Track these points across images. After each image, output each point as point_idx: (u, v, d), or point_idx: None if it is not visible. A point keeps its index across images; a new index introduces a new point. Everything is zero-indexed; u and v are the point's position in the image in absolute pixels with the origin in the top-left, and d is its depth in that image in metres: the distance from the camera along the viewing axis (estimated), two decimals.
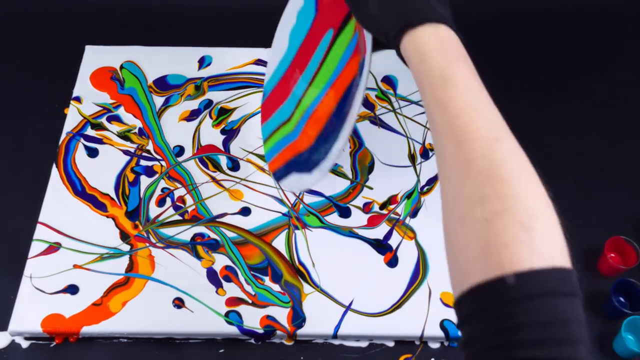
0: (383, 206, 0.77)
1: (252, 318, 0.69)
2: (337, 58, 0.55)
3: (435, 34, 0.40)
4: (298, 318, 0.69)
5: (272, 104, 0.68)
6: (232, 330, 0.69)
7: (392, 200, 0.78)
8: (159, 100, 0.86)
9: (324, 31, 0.56)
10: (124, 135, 0.82)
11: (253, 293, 0.71)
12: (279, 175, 0.65)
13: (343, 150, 0.54)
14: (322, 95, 0.57)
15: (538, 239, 0.33)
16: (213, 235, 0.75)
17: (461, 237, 0.35)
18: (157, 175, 0.79)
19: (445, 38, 0.40)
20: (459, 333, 0.41)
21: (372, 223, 0.76)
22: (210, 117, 0.84)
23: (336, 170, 0.80)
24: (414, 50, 0.41)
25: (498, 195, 0.34)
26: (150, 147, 0.82)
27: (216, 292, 0.71)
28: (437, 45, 0.40)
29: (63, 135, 0.82)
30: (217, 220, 0.76)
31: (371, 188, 0.79)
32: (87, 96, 0.86)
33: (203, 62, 0.90)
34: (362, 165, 0.81)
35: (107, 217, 0.76)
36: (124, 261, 0.73)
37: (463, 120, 0.37)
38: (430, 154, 0.82)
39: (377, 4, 0.44)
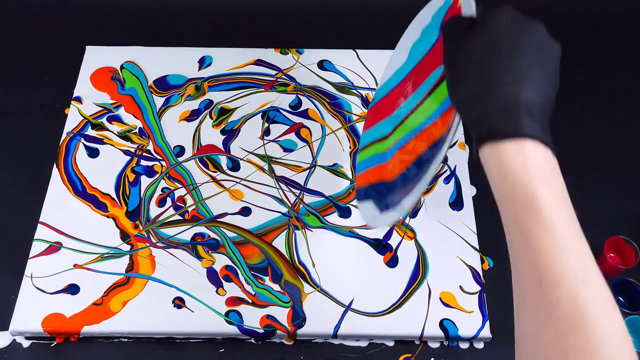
0: None
1: (252, 318, 0.69)
2: (438, 101, 0.52)
3: (520, 152, 0.36)
4: (298, 318, 0.69)
5: (377, 114, 0.67)
6: (232, 329, 0.69)
7: None
8: (159, 101, 0.86)
9: (438, 63, 0.53)
10: (124, 136, 0.83)
11: (253, 293, 0.71)
12: (360, 195, 0.66)
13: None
14: (416, 132, 0.56)
15: None
16: (213, 235, 0.75)
17: None
18: (157, 175, 0.79)
19: (531, 156, 0.36)
20: None
21: None
22: (211, 117, 0.85)
23: (336, 170, 0.80)
24: (495, 165, 0.37)
25: (582, 350, 0.32)
26: (150, 147, 0.82)
27: (216, 291, 0.71)
28: (522, 165, 0.36)
29: (64, 136, 0.82)
30: (217, 220, 0.76)
31: None
32: (88, 96, 0.86)
33: (203, 63, 0.90)
34: None
35: (108, 217, 0.76)
36: (125, 261, 0.73)
37: (547, 258, 0.34)
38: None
39: (469, 92, 0.40)
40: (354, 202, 0.77)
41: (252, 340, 0.70)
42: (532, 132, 0.37)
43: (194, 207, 0.77)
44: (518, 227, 0.36)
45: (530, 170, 0.36)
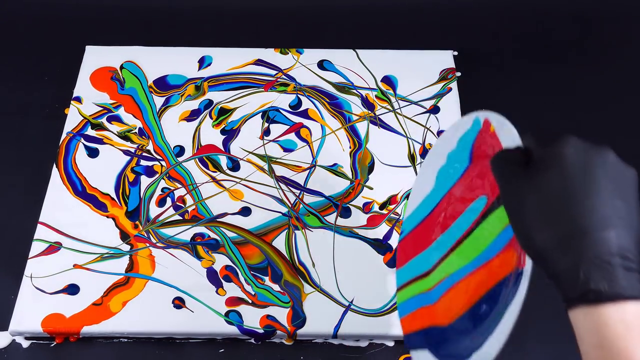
0: (383, 206, 0.77)
1: (252, 318, 0.69)
2: (489, 236, 0.48)
3: (621, 318, 0.32)
4: (298, 318, 0.69)
5: (410, 248, 0.61)
6: (232, 330, 0.69)
7: (392, 200, 0.78)
8: (159, 101, 0.86)
9: (476, 194, 0.50)
10: (124, 136, 0.83)
11: (253, 293, 0.71)
12: (412, 342, 0.59)
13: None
14: (467, 271, 0.51)
15: None
16: (213, 235, 0.75)
17: None
18: (157, 175, 0.79)
19: (634, 323, 0.32)
20: None
21: (372, 223, 0.76)
22: (211, 117, 0.85)
23: (336, 170, 0.80)
24: (590, 331, 0.33)
25: None
26: (150, 147, 0.82)
27: (216, 292, 0.71)
28: (623, 335, 0.32)
29: (63, 135, 0.82)
30: (217, 220, 0.76)
31: (371, 188, 0.79)
32: (88, 96, 0.86)
33: (203, 62, 0.90)
34: (362, 165, 0.81)
35: (108, 217, 0.76)
36: (124, 261, 0.73)
37: None
38: None
39: (548, 242, 0.35)
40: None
41: (252, 340, 0.70)
42: (634, 291, 0.33)
43: (193, 207, 0.77)
44: None
45: (632, 339, 0.32)
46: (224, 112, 0.85)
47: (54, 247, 0.73)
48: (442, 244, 0.56)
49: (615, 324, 0.32)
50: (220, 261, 0.73)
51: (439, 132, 0.83)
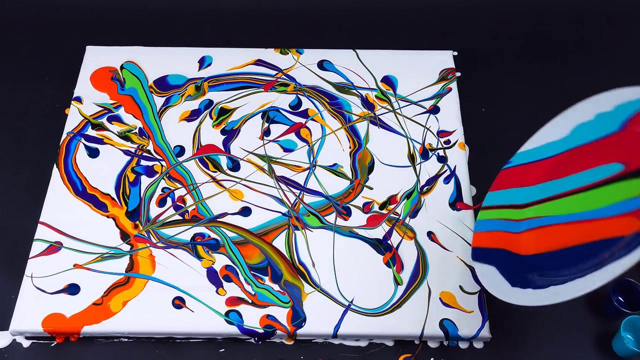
0: (383, 206, 0.77)
1: (252, 318, 0.69)
2: (612, 198, 0.52)
3: None
4: (298, 318, 0.69)
5: (513, 178, 0.64)
6: (232, 329, 0.69)
7: (391, 200, 0.78)
8: (159, 101, 0.86)
9: (613, 159, 0.53)
10: (124, 136, 0.83)
11: (253, 293, 0.71)
12: (478, 256, 0.64)
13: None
14: (571, 219, 0.55)
15: None
16: (213, 235, 0.75)
17: None
18: (157, 175, 0.79)
19: None
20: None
21: (372, 223, 0.76)
22: (211, 117, 0.85)
23: (336, 171, 0.80)
24: None
25: None
26: (150, 147, 0.82)
27: (216, 291, 0.71)
28: None
29: (64, 136, 0.82)
30: (218, 220, 0.76)
31: (371, 188, 0.79)
32: (88, 96, 0.86)
33: (203, 63, 0.90)
34: (362, 165, 0.81)
35: (108, 217, 0.76)
36: (125, 261, 0.73)
37: None
38: (430, 154, 0.82)
39: None
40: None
41: (252, 340, 0.70)
42: None
43: (194, 207, 0.77)
44: None
45: None
46: (224, 112, 0.85)
47: (54, 247, 0.73)
48: (551, 188, 0.60)
49: None
50: (220, 261, 0.73)
51: (439, 133, 0.83)
